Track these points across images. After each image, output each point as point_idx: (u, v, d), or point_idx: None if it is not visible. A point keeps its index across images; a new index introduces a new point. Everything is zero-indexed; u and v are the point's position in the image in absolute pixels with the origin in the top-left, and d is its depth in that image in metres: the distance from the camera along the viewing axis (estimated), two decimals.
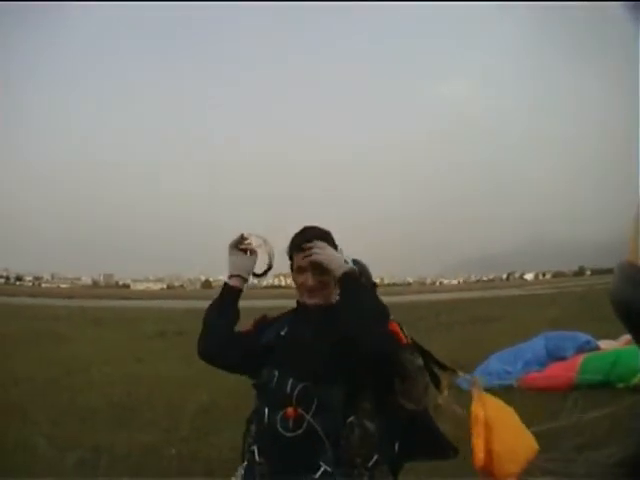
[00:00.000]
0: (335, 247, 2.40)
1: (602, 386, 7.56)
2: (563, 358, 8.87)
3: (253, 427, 2.32)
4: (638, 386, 7.34)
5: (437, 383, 2.56)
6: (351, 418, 2.18)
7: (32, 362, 12.46)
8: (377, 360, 2.17)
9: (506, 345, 9.96)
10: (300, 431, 2.12)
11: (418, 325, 17.37)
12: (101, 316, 29.41)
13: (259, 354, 2.37)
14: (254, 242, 2.46)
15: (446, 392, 2.55)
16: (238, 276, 2.46)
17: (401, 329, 2.45)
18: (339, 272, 2.24)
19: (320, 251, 2.29)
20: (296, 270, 2.40)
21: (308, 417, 2.12)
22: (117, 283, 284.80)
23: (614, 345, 8.44)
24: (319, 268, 2.31)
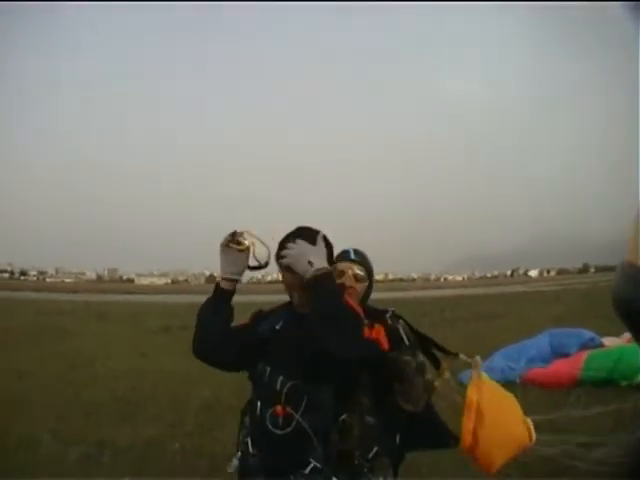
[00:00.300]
0: (328, 247, 2.34)
1: (605, 383, 7.57)
2: (567, 355, 8.88)
3: (247, 419, 2.34)
4: None
5: (437, 365, 2.58)
6: (344, 416, 2.21)
7: (36, 357, 12.52)
8: (349, 367, 2.14)
9: (510, 342, 9.99)
10: (289, 429, 2.13)
11: (422, 321, 17.33)
12: (105, 311, 29.43)
13: (255, 347, 2.37)
14: (247, 240, 2.38)
15: (447, 374, 2.56)
16: (229, 279, 2.42)
17: (403, 324, 2.45)
18: (305, 276, 2.18)
19: (289, 252, 2.23)
20: (280, 271, 2.37)
21: (297, 416, 2.13)
22: (121, 278, 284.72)
23: (618, 342, 8.44)
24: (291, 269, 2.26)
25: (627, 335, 8.14)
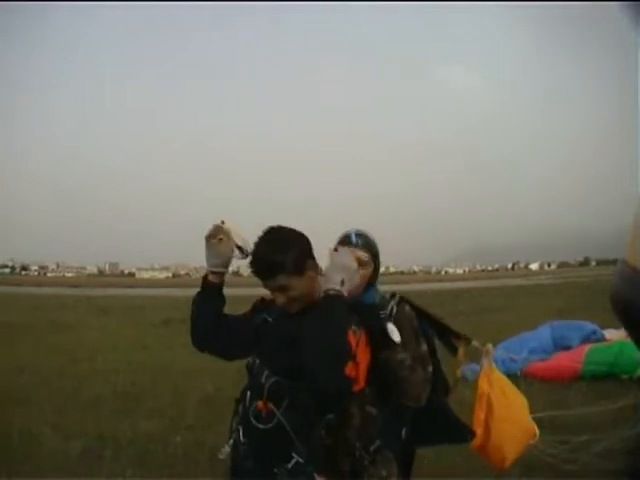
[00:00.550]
0: (308, 252, 2.29)
1: (606, 377, 7.57)
2: (569, 347, 8.88)
3: (240, 407, 2.32)
4: None
5: (454, 352, 2.57)
6: (330, 416, 2.18)
7: (37, 351, 12.56)
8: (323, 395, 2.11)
9: (511, 335, 9.98)
10: (270, 425, 2.13)
11: None
12: (106, 304, 29.50)
13: (250, 336, 2.38)
14: (231, 231, 2.37)
15: (463, 359, 2.55)
16: (214, 271, 2.44)
17: (405, 314, 2.43)
18: (329, 289, 2.13)
19: (335, 257, 2.20)
20: (265, 287, 2.32)
21: (278, 414, 2.12)
22: (122, 272, 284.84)
23: (619, 335, 8.43)
24: (283, 289, 2.22)
25: None
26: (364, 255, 2.55)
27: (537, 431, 2.57)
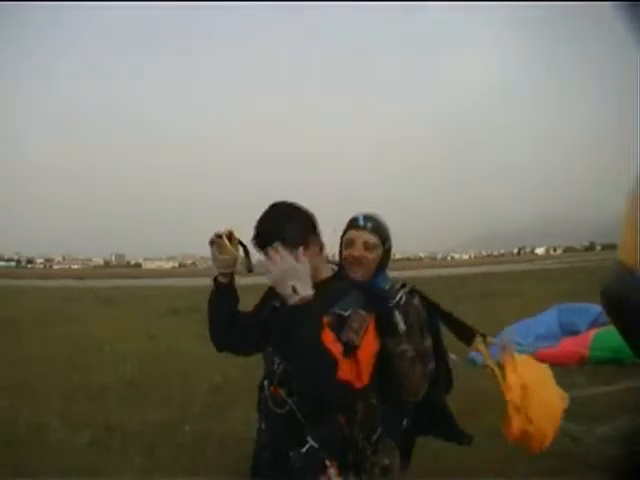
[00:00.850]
0: (312, 229, 2.23)
1: (613, 362, 7.57)
2: (576, 332, 8.87)
3: (262, 394, 2.30)
4: None
5: (468, 342, 2.56)
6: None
7: (44, 342, 12.59)
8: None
9: (517, 319, 9.96)
10: (283, 411, 2.13)
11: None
12: (113, 295, 29.55)
13: (262, 325, 2.37)
14: (230, 246, 2.34)
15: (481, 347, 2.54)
16: (223, 273, 2.42)
17: (414, 304, 2.42)
18: (288, 302, 2.04)
19: (270, 270, 2.09)
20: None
21: (289, 401, 2.11)
22: (129, 263, 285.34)
23: None
24: None
25: None
26: (371, 238, 2.52)
27: (565, 397, 2.56)
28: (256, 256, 2.32)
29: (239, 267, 2.40)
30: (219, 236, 2.35)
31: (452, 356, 2.71)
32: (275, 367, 2.20)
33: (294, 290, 2.02)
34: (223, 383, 7.96)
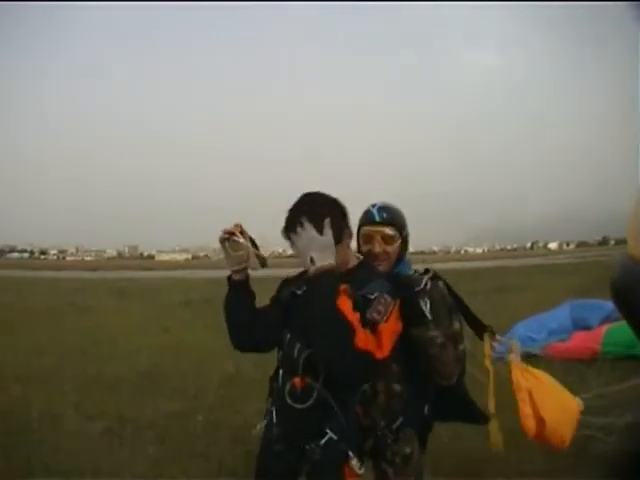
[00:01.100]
0: (342, 218, 2.25)
1: (625, 357, 7.53)
2: (588, 328, 8.84)
3: (275, 386, 2.31)
4: None
5: (480, 334, 2.54)
6: (365, 386, 2.13)
7: (57, 333, 12.70)
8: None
9: (530, 314, 9.95)
10: (309, 403, 2.10)
11: None
12: (126, 287, 29.60)
13: (281, 316, 2.37)
14: (241, 242, 2.32)
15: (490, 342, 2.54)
16: (236, 270, 2.39)
17: (437, 292, 2.39)
18: (310, 271, 2.09)
19: (294, 241, 2.16)
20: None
21: (317, 386, 2.09)
22: (142, 254, 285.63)
23: None
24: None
25: None
26: (389, 231, 2.51)
27: (580, 401, 2.57)
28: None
29: (253, 262, 2.36)
30: (230, 232, 2.32)
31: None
32: (296, 356, 2.18)
33: (311, 261, 2.06)
34: (236, 374, 7.98)
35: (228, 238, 2.32)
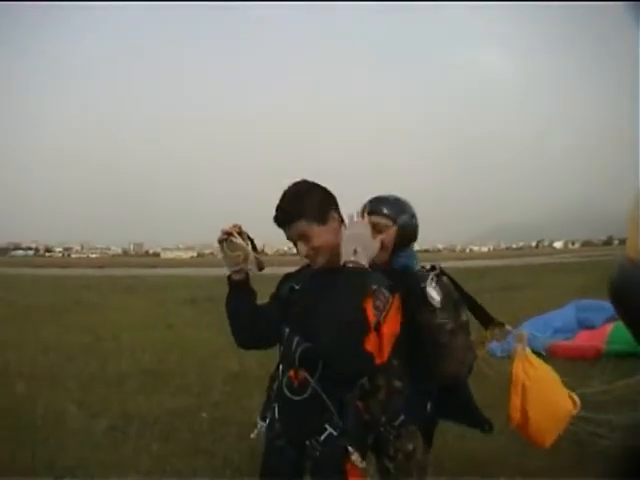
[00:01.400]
0: (332, 205, 2.25)
1: (630, 356, 7.53)
2: (592, 328, 8.84)
3: (275, 383, 2.29)
4: None
5: (486, 326, 2.52)
6: (363, 380, 2.10)
7: (62, 330, 12.75)
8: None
9: (535, 312, 10.00)
10: (305, 395, 2.09)
11: None
12: (131, 284, 29.70)
13: (281, 311, 2.36)
14: (238, 244, 2.30)
15: (489, 338, 2.53)
16: (235, 270, 2.39)
17: (442, 283, 2.35)
18: (344, 259, 2.05)
19: (350, 225, 2.15)
20: (288, 239, 2.27)
21: (312, 381, 2.08)
22: (147, 252, 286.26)
23: None
24: (305, 237, 2.18)
25: None
26: (377, 220, 2.47)
27: (578, 402, 2.56)
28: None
29: (250, 264, 2.35)
30: (228, 233, 2.31)
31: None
32: (293, 349, 2.16)
33: (355, 252, 2.03)
34: (240, 371, 8.01)
35: (226, 238, 2.32)
